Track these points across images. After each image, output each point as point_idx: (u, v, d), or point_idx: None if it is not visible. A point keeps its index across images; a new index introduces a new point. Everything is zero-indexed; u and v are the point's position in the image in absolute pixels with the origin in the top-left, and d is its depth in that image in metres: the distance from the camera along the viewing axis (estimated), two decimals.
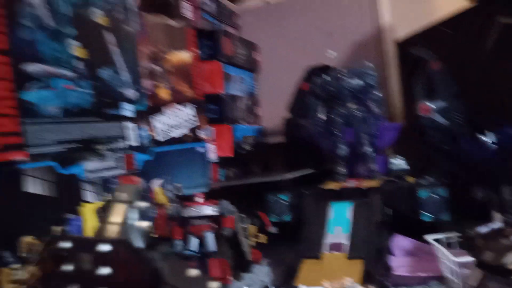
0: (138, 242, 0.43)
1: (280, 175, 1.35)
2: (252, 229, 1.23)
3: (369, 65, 1.32)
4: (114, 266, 0.40)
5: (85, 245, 0.41)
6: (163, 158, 1.27)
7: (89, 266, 0.41)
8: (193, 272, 0.42)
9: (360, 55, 1.77)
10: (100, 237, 0.41)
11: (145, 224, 0.44)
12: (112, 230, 0.42)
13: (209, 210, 1.07)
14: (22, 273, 0.79)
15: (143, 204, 0.45)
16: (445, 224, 1.10)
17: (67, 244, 0.41)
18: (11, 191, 0.81)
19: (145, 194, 0.47)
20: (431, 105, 1.33)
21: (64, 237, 0.42)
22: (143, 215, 0.45)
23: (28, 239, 0.81)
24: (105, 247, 0.41)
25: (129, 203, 0.44)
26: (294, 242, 1.08)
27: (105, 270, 0.40)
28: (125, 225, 0.43)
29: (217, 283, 0.42)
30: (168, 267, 0.42)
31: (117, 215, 0.44)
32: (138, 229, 0.43)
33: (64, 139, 0.96)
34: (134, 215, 0.44)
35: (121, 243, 0.41)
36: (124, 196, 0.44)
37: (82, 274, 0.41)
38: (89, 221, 0.84)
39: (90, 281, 0.40)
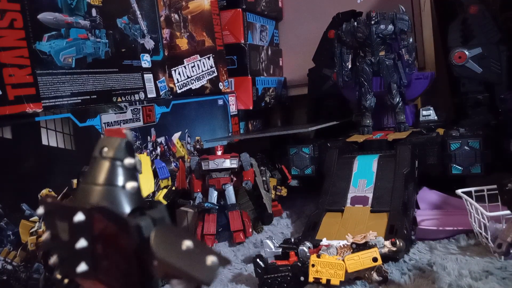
0: (123, 207, 0.38)
1: (302, 128, 1.32)
2: (273, 182, 1.22)
3: (401, 9, 1.23)
4: (90, 237, 0.36)
5: (59, 212, 0.37)
6: (182, 110, 1.25)
7: (66, 237, 0.37)
8: (188, 243, 0.35)
9: None
10: (78, 202, 0.38)
11: (130, 185, 0.39)
12: (95, 193, 0.38)
13: (229, 163, 1.06)
14: (40, 225, 0.81)
15: (128, 161, 0.40)
16: (475, 178, 1.06)
17: (40, 211, 0.38)
18: (29, 143, 0.81)
19: (133, 149, 0.42)
20: (467, 52, 1.25)
21: (40, 202, 0.39)
22: (129, 174, 0.40)
23: (45, 191, 0.82)
24: (78, 217, 0.35)
25: (113, 159, 0.39)
26: (316, 196, 1.06)
27: (80, 243, 0.35)
28: (108, 187, 0.39)
29: (214, 258, 0.34)
30: (158, 236, 0.36)
31: (99, 175, 0.39)
32: (123, 191, 0.39)
33: (80, 90, 0.94)
34: (118, 175, 0.39)
35: (97, 210, 0.36)
36: (107, 151, 0.39)
37: (60, 245, 0.37)
38: None
39: (68, 253, 0.36)
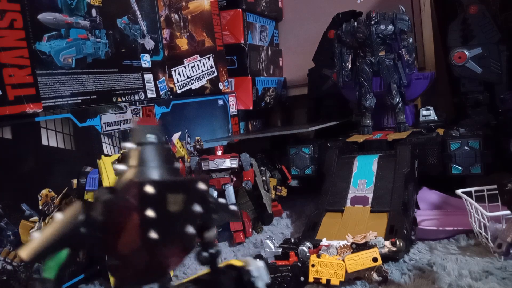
0: None
1: (302, 128, 1.32)
2: (273, 182, 1.22)
3: (402, 9, 1.23)
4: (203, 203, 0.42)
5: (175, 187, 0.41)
6: (182, 110, 1.25)
7: (177, 207, 0.41)
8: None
9: None
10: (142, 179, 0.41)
11: (177, 165, 0.45)
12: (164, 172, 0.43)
13: (229, 163, 1.06)
14: (40, 225, 0.81)
15: (168, 145, 0.46)
16: (475, 178, 1.06)
17: (150, 189, 0.40)
18: (29, 143, 0.81)
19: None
20: (467, 52, 1.25)
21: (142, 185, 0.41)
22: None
23: (45, 191, 0.82)
24: (201, 186, 0.41)
25: (164, 143, 0.44)
26: (316, 196, 1.06)
27: (196, 208, 0.41)
28: (170, 165, 0.44)
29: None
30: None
31: (156, 158, 0.43)
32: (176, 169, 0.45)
33: (80, 90, 0.95)
34: (172, 157, 0.48)
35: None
36: (155, 137, 0.43)
37: (169, 219, 0.40)
38: (107, 174, 0.84)
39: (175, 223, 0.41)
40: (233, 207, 0.46)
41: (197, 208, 0.41)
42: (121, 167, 0.42)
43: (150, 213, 0.39)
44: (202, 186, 0.41)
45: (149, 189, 0.39)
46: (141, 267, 0.41)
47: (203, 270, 0.46)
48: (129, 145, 0.43)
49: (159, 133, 0.43)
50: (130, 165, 0.42)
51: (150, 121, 0.44)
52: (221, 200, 0.45)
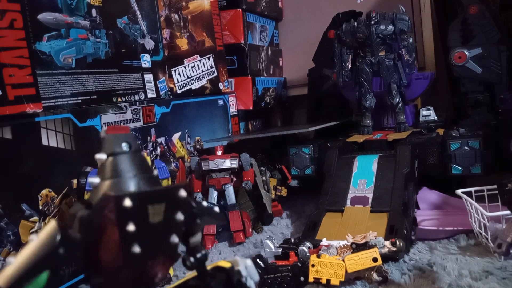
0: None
1: (302, 128, 1.32)
2: (273, 182, 1.22)
3: (402, 9, 1.23)
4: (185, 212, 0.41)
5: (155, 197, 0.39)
6: (182, 110, 1.25)
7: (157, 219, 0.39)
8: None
9: None
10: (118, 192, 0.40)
11: (156, 171, 0.44)
12: (138, 182, 0.41)
13: (229, 163, 1.06)
14: (40, 225, 0.81)
15: (144, 153, 0.44)
16: (475, 178, 1.06)
17: (128, 203, 0.37)
18: (29, 143, 0.81)
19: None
20: (467, 52, 1.25)
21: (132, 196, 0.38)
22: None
23: (45, 191, 0.82)
24: (182, 193, 0.40)
25: (138, 151, 0.42)
26: (316, 196, 1.06)
27: (180, 216, 0.40)
28: (147, 174, 0.42)
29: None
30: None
31: (132, 167, 0.41)
32: (155, 177, 0.44)
33: (80, 90, 0.95)
34: (149, 164, 0.44)
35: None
36: (129, 145, 0.41)
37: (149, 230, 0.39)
38: None
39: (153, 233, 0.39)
40: (216, 209, 0.44)
41: (180, 216, 0.39)
42: (94, 180, 0.40)
43: (130, 227, 0.37)
44: (182, 193, 0.40)
45: (127, 203, 0.37)
46: (127, 283, 0.39)
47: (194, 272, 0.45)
48: (100, 156, 0.40)
49: (132, 140, 0.41)
50: (104, 178, 0.39)
51: (121, 129, 0.41)
52: (204, 203, 0.43)
